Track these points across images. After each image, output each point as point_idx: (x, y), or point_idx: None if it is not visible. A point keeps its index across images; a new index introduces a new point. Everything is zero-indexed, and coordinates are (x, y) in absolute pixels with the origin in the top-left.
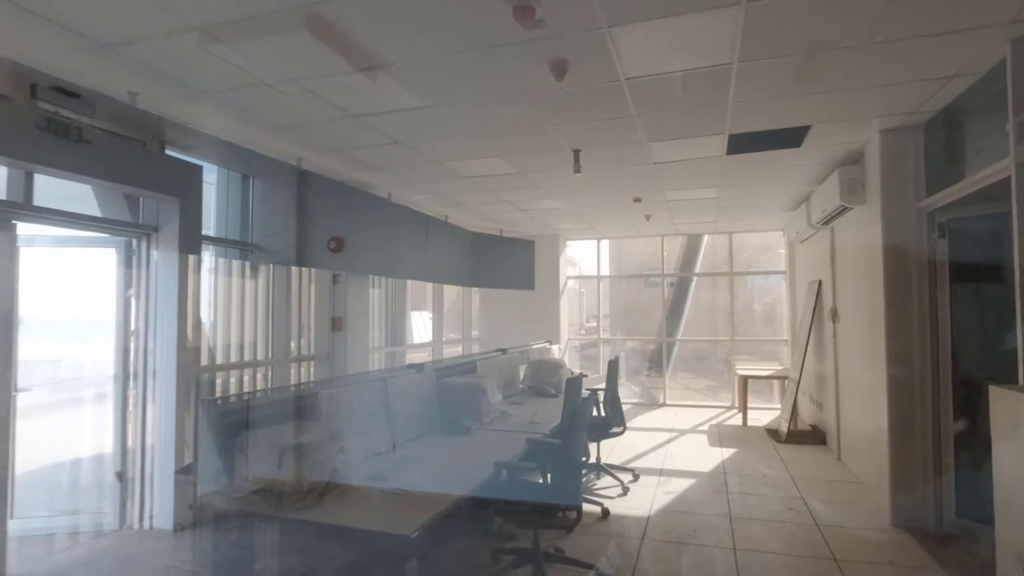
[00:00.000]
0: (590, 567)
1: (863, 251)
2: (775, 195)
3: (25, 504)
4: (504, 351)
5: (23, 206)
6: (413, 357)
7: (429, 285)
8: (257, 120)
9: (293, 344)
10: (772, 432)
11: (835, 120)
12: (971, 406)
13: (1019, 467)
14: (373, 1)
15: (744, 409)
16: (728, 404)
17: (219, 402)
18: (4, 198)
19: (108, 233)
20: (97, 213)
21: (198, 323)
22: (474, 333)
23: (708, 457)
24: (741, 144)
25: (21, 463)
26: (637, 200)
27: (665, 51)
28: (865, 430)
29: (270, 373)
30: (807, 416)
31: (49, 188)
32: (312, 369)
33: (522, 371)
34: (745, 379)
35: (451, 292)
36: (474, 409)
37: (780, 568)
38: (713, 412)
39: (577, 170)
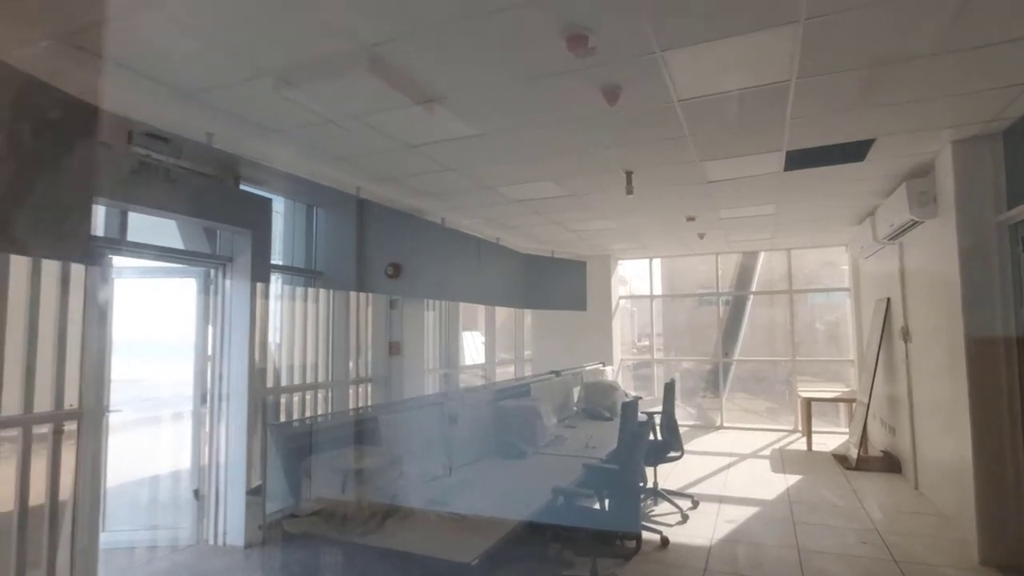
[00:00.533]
0: None
1: (937, 267)
2: (837, 210)
3: (112, 518)
4: (557, 373)
5: (119, 241)
6: (466, 378)
7: (481, 308)
8: (321, 154)
9: (351, 366)
10: (840, 458)
11: (902, 132)
12: None
13: None
14: (430, 39)
15: (808, 433)
16: (791, 427)
17: (286, 426)
18: (103, 235)
19: (189, 264)
20: (180, 246)
21: (265, 347)
22: (526, 353)
23: (771, 484)
24: (800, 160)
25: (109, 479)
26: (691, 219)
27: (719, 71)
28: (946, 458)
29: (330, 395)
30: (878, 441)
31: (137, 224)
32: (369, 391)
33: (576, 393)
34: (808, 401)
35: (503, 311)
36: (529, 433)
37: None
38: (775, 436)
39: (629, 191)
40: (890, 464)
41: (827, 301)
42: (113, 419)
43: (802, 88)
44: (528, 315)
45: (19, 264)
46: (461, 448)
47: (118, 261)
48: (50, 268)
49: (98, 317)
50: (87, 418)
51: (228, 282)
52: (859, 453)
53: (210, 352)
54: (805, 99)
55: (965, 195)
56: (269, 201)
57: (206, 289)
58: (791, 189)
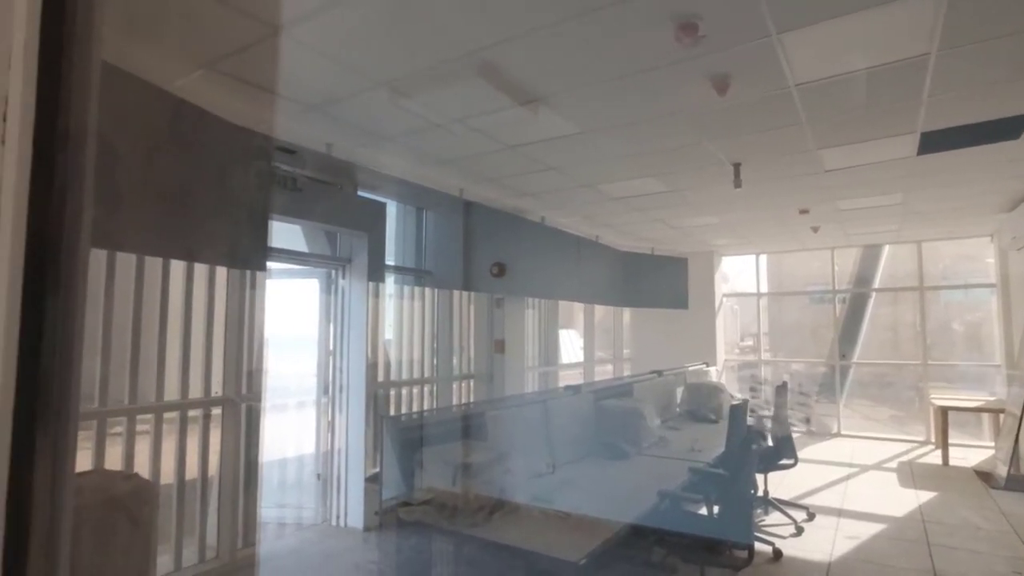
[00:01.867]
0: None
1: None
2: (981, 196)
3: None
4: (660, 373)
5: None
6: (565, 376)
7: (580, 307)
8: (428, 158)
9: (455, 363)
10: (984, 475)
11: None
12: None
13: None
14: (536, 40)
15: (944, 445)
16: (922, 438)
17: (398, 419)
18: None
19: (313, 265)
20: (305, 250)
21: (377, 343)
22: (625, 352)
23: (900, 500)
24: (937, 142)
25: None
26: (803, 212)
27: (844, 50)
28: None
29: (435, 390)
30: None
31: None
32: (472, 387)
33: (679, 394)
34: (944, 410)
35: (600, 309)
36: (632, 433)
37: None
38: (902, 447)
39: (738, 185)
40: None
41: (965, 299)
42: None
43: (944, 61)
44: (627, 313)
45: (177, 270)
46: (564, 446)
47: None
48: (200, 272)
49: (256, 315)
50: (229, 406)
51: (347, 282)
52: (1010, 471)
53: (331, 347)
54: (947, 73)
55: None
56: (383, 205)
57: (328, 289)
58: (924, 175)
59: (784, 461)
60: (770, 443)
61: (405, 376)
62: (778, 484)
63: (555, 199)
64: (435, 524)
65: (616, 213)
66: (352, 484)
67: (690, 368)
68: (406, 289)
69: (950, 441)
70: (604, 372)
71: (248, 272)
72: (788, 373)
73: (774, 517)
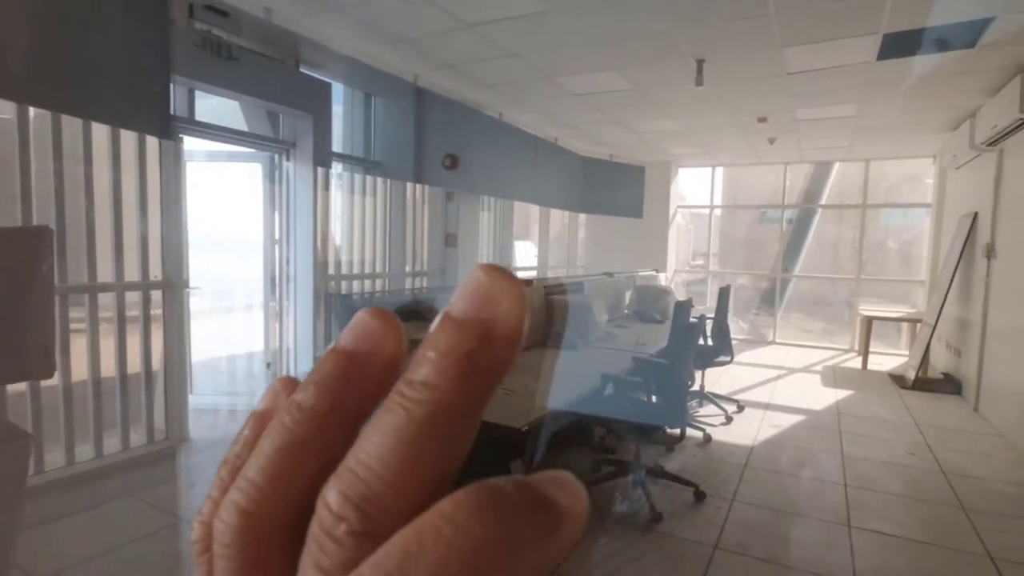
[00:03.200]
0: (691, 485)
1: None
2: (931, 112)
3: (198, 384)
4: (611, 275)
5: (188, 120)
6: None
7: (535, 214)
8: (379, 35)
9: (408, 257)
10: (897, 378)
11: None
12: None
13: None
14: None
15: (865, 352)
16: (847, 347)
17: (347, 297)
18: (173, 113)
19: (254, 148)
20: (245, 129)
21: (326, 234)
22: (579, 263)
23: (820, 397)
24: (897, 46)
25: (196, 354)
26: (762, 120)
27: None
28: (1014, 380)
29: (387, 285)
30: (940, 363)
31: (203, 109)
32: (425, 283)
33: (628, 296)
34: (869, 320)
35: (556, 223)
36: (581, 326)
37: (897, 508)
38: (829, 354)
39: (699, 83)
40: (950, 386)
41: (904, 219)
42: (194, 303)
43: None
44: (582, 227)
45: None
46: None
47: (187, 144)
48: (128, 145)
49: (174, 195)
50: (171, 291)
51: (291, 167)
52: (918, 374)
53: (276, 236)
54: None
55: None
56: (329, 85)
57: (271, 175)
58: (880, 84)
59: (721, 358)
60: (710, 341)
61: (356, 270)
62: (715, 381)
63: (515, 92)
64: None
65: (576, 112)
66: (302, 371)
67: (640, 273)
68: (356, 180)
69: (871, 349)
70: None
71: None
72: (734, 286)
73: (708, 409)
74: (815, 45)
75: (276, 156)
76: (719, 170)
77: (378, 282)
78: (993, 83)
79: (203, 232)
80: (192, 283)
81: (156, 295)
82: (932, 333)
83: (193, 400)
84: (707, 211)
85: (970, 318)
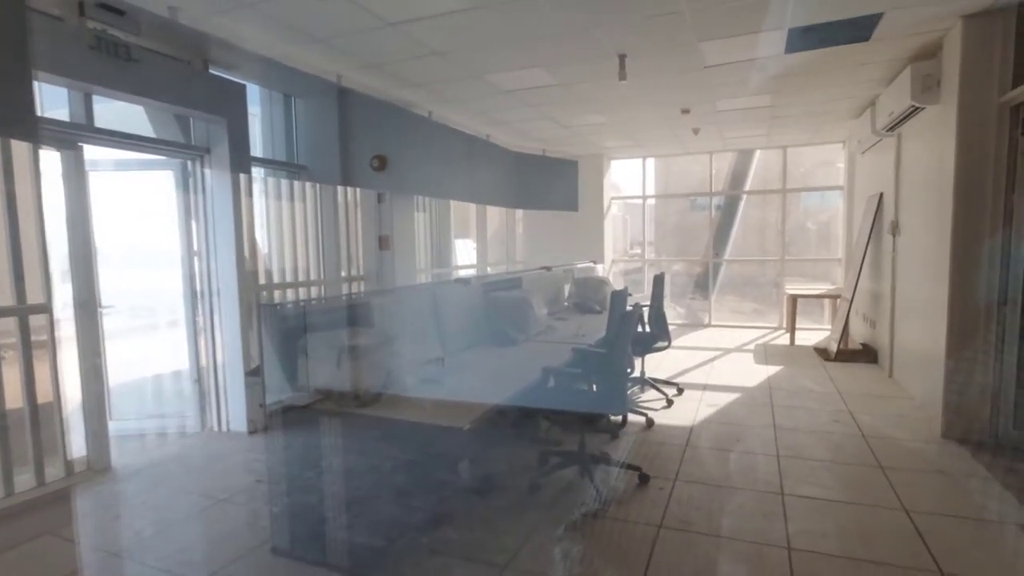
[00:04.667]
0: (635, 469)
1: (933, 156)
2: (837, 101)
3: (120, 409)
4: (549, 268)
5: (86, 127)
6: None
7: (473, 213)
8: (296, 34)
9: (343, 264)
10: (821, 351)
11: (912, 5)
12: None
13: None
14: None
15: (792, 329)
16: (776, 325)
17: (279, 307)
18: (68, 120)
19: (164, 155)
20: (151, 135)
21: (253, 243)
22: (518, 258)
23: (753, 374)
24: (802, 40)
25: (113, 376)
26: (685, 112)
27: None
28: (921, 346)
29: (322, 292)
30: (858, 335)
31: (106, 114)
32: (362, 288)
33: (567, 289)
34: (794, 298)
35: (494, 219)
36: (521, 322)
37: (823, 472)
38: (760, 332)
39: (623, 77)
40: (868, 356)
41: (820, 201)
42: (110, 323)
43: None
44: (520, 223)
45: None
46: (454, 335)
47: (90, 154)
48: (21, 158)
49: (78, 209)
50: (82, 311)
51: (207, 173)
52: (839, 346)
53: (195, 247)
54: None
55: (970, 76)
56: (243, 87)
57: (185, 183)
58: (790, 75)
59: (660, 343)
60: (647, 328)
61: (290, 279)
62: (655, 366)
63: (443, 91)
64: (321, 409)
65: (507, 108)
66: (232, 388)
67: (578, 265)
68: (283, 186)
69: (797, 325)
70: None
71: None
72: (669, 273)
73: (650, 394)
74: (728, 39)
75: (189, 163)
76: (650, 161)
77: (313, 289)
78: (888, 73)
79: (114, 247)
80: (105, 302)
81: (67, 316)
82: (850, 307)
83: (115, 426)
84: (640, 201)
85: (881, 291)
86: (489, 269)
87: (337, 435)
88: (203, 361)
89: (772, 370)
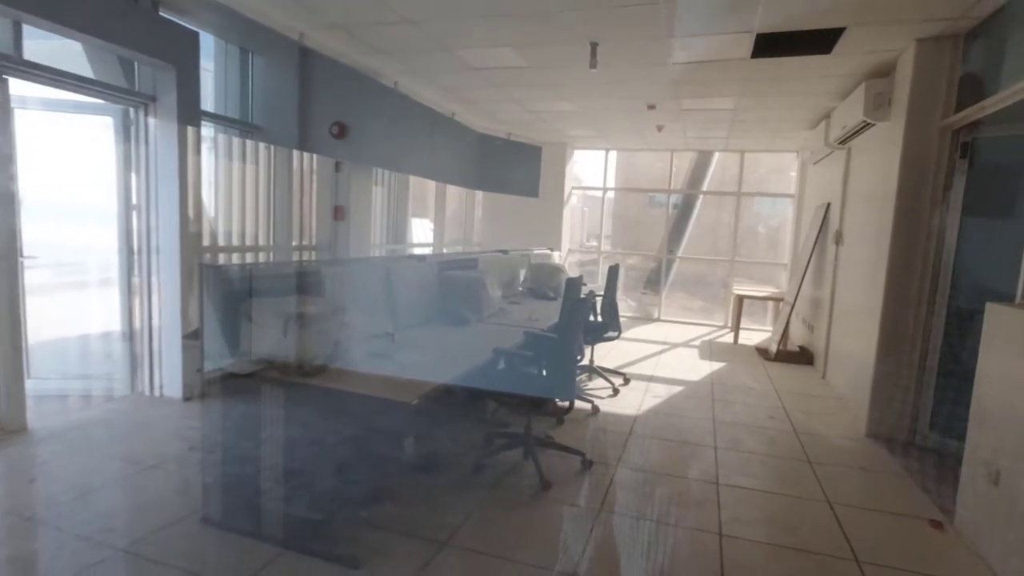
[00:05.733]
0: (578, 453)
1: (878, 171)
2: (795, 110)
3: (41, 367)
4: (506, 251)
5: (12, 59)
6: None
7: (431, 192)
8: None
9: (295, 232)
10: (762, 351)
11: (872, 23)
12: (961, 332)
13: (1001, 381)
14: None
15: (737, 328)
16: (722, 323)
17: (222, 268)
18: None
19: (103, 99)
20: (90, 75)
21: (199, 202)
22: (475, 241)
23: (697, 369)
24: (768, 46)
25: (34, 333)
26: (652, 107)
27: None
28: (853, 351)
29: (271, 259)
30: (797, 338)
31: (39, 49)
32: (314, 257)
33: (522, 274)
34: (741, 299)
35: (453, 200)
36: (474, 302)
37: (757, 465)
38: (706, 330)
39: (593, 65)
40: (805, 357)
41: (772, 207)
42: (33, 278)
43: None
44: (479, 205)
45: None
46: (407, 310)
47: (17, 89)
48: None
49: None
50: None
51: (152, 123)
52: (779, 347)
53: (135, 202)
54: None
55: (918, 97)
56: (196, 35)
57: (126, 131)
58: (754, 81)
59: (610, 334)
60: (599, 318)
61: (237, 242)
62: (604, 356)
63: (411, 62)
64: (265, 377)
65: (474, 87)
66: (169, 351)
67: (535, 251)
68: (235, 145)
69: (742, 325)
70: None
71: None
72: (624, 267)
73: (597, 382)
74: (698, 37)
75: (132, 110)
76: (612, 154)
77: (262, 256)
78: (844, 88)
79: (41, 195)
80: (27, 251)
81: None
82: (791, 311)
83: (33, 385)
84: (600, 193)
85: (821, 297)
86: (445, 250)
87: (279, 405)
88: (136, 322)
89: (715, 366)
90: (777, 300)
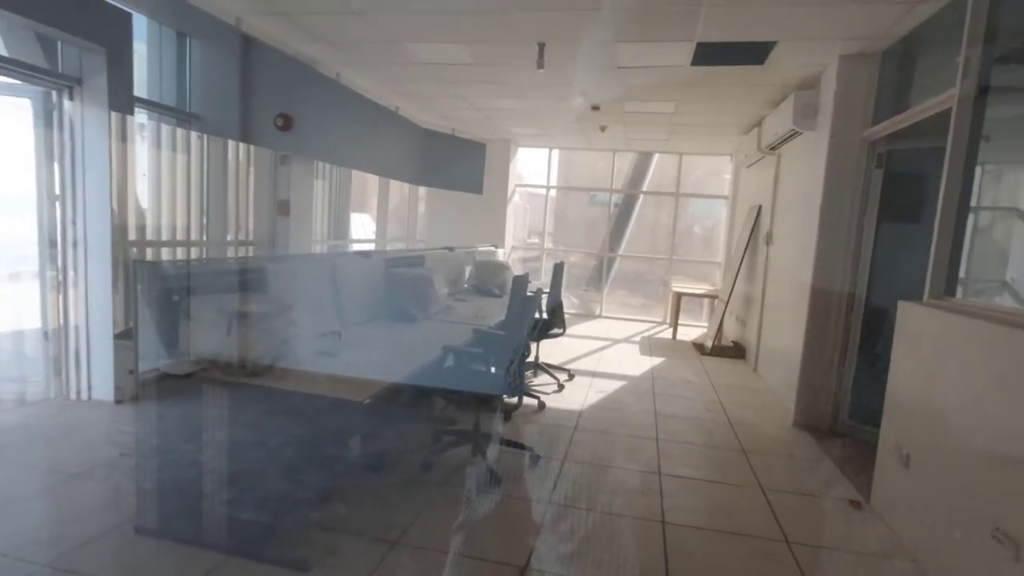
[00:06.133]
0: (526, 449)
1: (805, 177)
2: (731, 116)
3: None
4: (451, 249)
5: None
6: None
7: (374, 186)
8: None
9: (232, 225)
10: (698, 346)
11: (801, 39)
12: (878, 328)
13: (911, 373)
14: None
15: (675, 324)
16: (661, 320)
17: (157, 264)
18: None
19: (20, 79)
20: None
21: (125, 193)
22: (419, 237)
23: (638, 364)
24: (707, 55)
25: None
26: (595, 108)
27: None
28: (782, 345)
29: (204, 254)
30: (731, 333)
31: None
32: (251, 253)
33: (468, 271)
34: (679, 296)
35: (395, 195)
36: (422, 299)
37: (695, 455)
38: (646, 326)
39: (540, 65)
40: (738, 352)
41: (708, 208)
42: None
43: None
44: (422, 201)
45: None
46: (353, 308)
47: None
48: None
49: None
50: None
51: (77, 108)
52: (714, 343)
53: (57, 191)
54: None
55: (841, 109)
56: (128, 15)
57: (48, 116)
58: (694, 86)
59: (555, 331)
60: (544, 315)
61: (166, 236)
62: (549, 353)
63: (355, 53)
64: (207, 378)
65: (419, 81)
66: (98, 351)
67: (480, 248)
68: (164, 133)
69: (680, 322)
70: None
71: None
72: (566, 264)
73: (543, 379)
74: (642, 44)
75: (55, 93)
76: (555, 153)
77: (193, 251)
78: (776, 97)
79: None
80: None
81: None
82: (725, 307)
83: None
84: (543, 191)
85: (753, 294)
86: (388, 246)
87: (222, 406)
88: (58, 320)
89: (655, 361)
90: (712, 297)
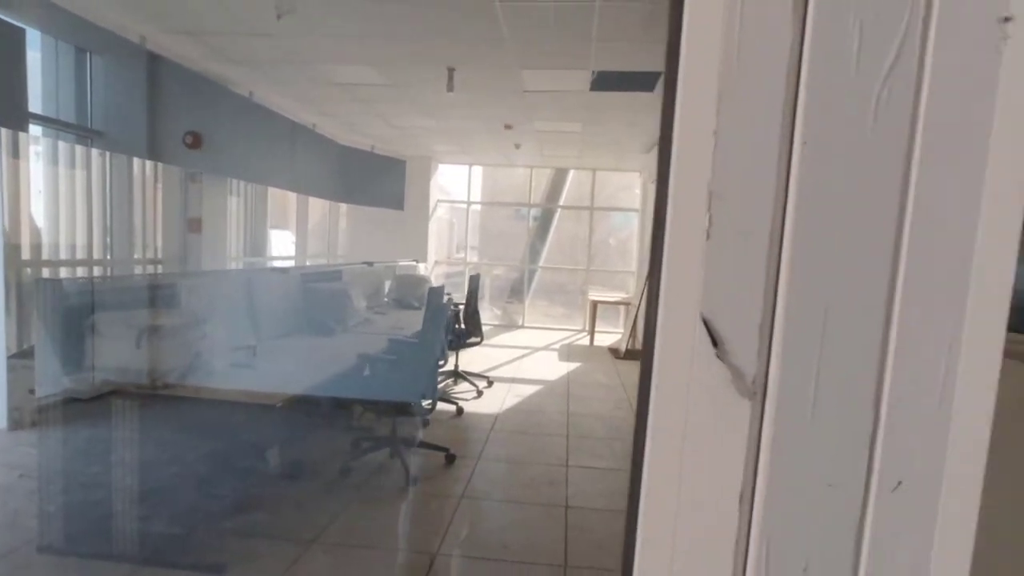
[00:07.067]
0: (442, 449)
1: None
2: (634, 136)
3: None
4: (370, 263)
5: None
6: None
7: (293, 203)
8: None
9: (138, 244)
10: (613, 351)
11: None
12: None
13: None
14: None
15: (592, 331)
16: (580, 327)
17: (60, 282)
18: None
19: None
20: None
21: (17, 211)
22: (340, 253)
23: (556, 369)
24: (604, 82)
25: None
26: (508, 127)
27: None
28: None
29: (108, 274)
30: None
31: None
32: (160, 271)
33: (387, 285)
34: (595, 304)
35: (316, 212)
36: (339, 313)
37: (602, 448)
38: (566, 334)
39: (450, 88)
40: None
41: (624, 220)
42: None
43: (605, 10)
44: (343, 217)
45: None
46: (269, 322)
47: None
48: None
49: None
50: None
51: None
52: (627, 347)
53: None
54: (608, 21)
55: None
56: (21, 32)
57: None
58: (596, 109)
59: (472, 339)
60: (462, 325)
61: (66, 255)
62: (469, 361)
63: (268, 72)
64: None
65: (336, 101)
66: None
67: (401, 263)
68: (63, 149)
69: (597, 328)
70: None
71: None
72: (489, 277)
73: (462, 386)
74: (544, 71)
75: None
76: (477, 168)
77: (96, 270)
78: None
79: None
80: None
81: None
82: (637, 313)
83: None
84: (465, 206)
85: None
86: (308, 262)
87: (132, 424)
88: None
89: (572, 366)
90: (626, 304)
